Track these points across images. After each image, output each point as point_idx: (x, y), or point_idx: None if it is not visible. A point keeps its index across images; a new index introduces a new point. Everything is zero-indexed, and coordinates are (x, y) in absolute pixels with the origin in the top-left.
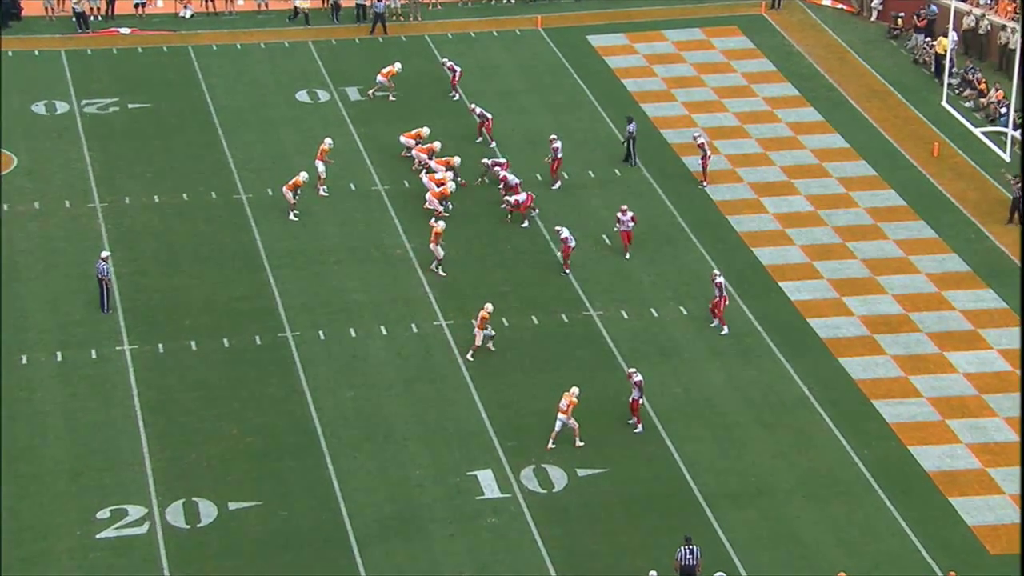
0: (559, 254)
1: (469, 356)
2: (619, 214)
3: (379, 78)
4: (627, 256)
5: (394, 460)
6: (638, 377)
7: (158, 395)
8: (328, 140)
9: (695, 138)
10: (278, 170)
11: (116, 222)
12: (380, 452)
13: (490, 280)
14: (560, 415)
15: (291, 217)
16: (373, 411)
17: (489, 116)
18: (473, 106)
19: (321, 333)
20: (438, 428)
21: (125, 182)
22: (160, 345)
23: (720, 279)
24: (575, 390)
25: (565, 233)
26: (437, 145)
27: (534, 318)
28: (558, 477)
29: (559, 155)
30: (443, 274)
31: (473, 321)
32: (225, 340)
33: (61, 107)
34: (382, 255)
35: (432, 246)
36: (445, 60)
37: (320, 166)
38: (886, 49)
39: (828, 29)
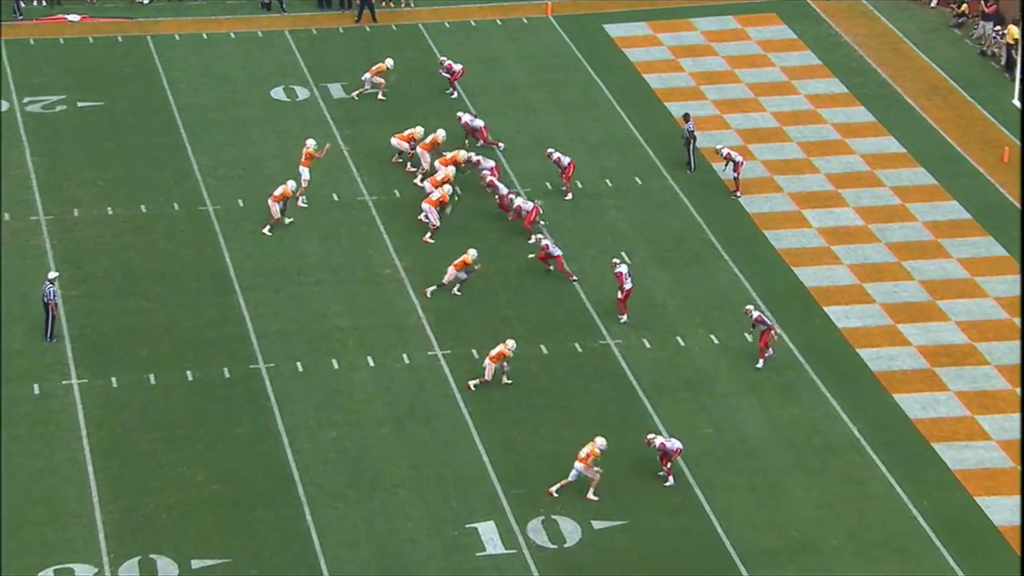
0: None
1: (471, 384)
2: (617, 267)
3: (366, 76)
4: (622, 319)
5: (382, 510)
6: (662, 441)
7: (110, 436)
8: (311, 141)
9: (719, 150)
10: (250, 178)
11: (63, 237)
12: (366, 501)
13: (493, 303)
14: (577, 463)
15: (265, 231)
16: (358, 454)
17: (479, 124)
18: (460, 115)
19: (299, 364)
20: (433, 474)
21: (74, 191)
22: (113, 378)
23: (756, 312)
24: (601, 441)
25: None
26: (441, 134)
27: (543, 347)
28: (570, 530)
29: (565, 164)
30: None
31: (482, 355)
32: (188, 373)
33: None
34: (369, 275)
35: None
36: (443, 59)
37: (305, 172)
38: (949, 39)
39: (881, 16)
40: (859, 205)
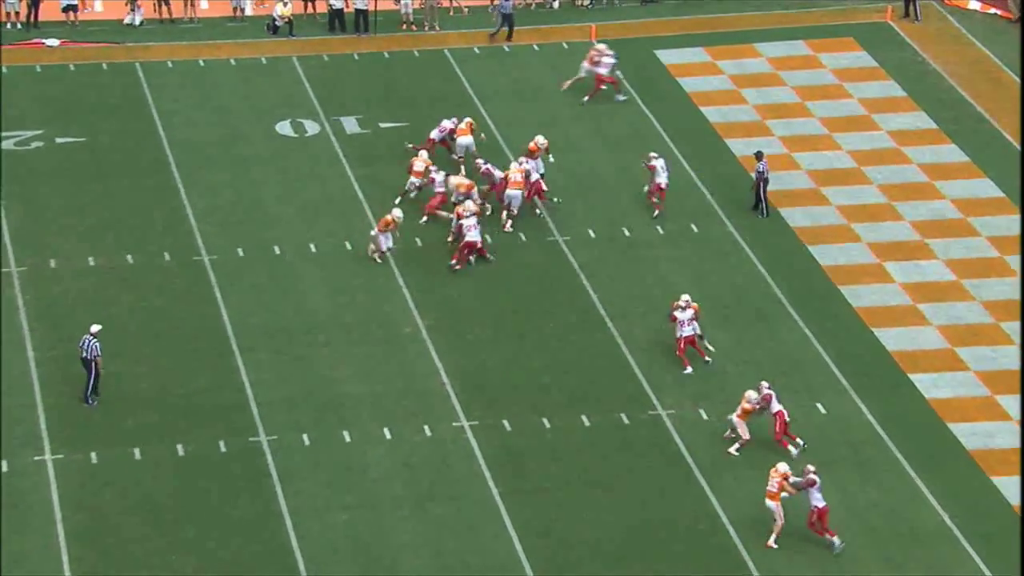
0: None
1: (733, 451)
2: (675, 311)
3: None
4: (687, 371)
5: None
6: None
7: (89, 519)
8: (397, 212)
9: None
10: (252, 223)
11: (38, 291)
12: None
13: (528, 367)
14: (768, 501)
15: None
16: (373, 539)
17: (498, 176)
18: (480, 161)
19: (305, 437)
20: (457, 563)
21: (51, 239)
22: (93, 453)
23: (768, 389)
24: (784, 468)
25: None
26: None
27: (584, 418)
28: None
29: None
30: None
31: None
32: (179, 446)
33: None
34: (386, 334)
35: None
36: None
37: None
38: None
39: (975, 40)
40: (950, 257)
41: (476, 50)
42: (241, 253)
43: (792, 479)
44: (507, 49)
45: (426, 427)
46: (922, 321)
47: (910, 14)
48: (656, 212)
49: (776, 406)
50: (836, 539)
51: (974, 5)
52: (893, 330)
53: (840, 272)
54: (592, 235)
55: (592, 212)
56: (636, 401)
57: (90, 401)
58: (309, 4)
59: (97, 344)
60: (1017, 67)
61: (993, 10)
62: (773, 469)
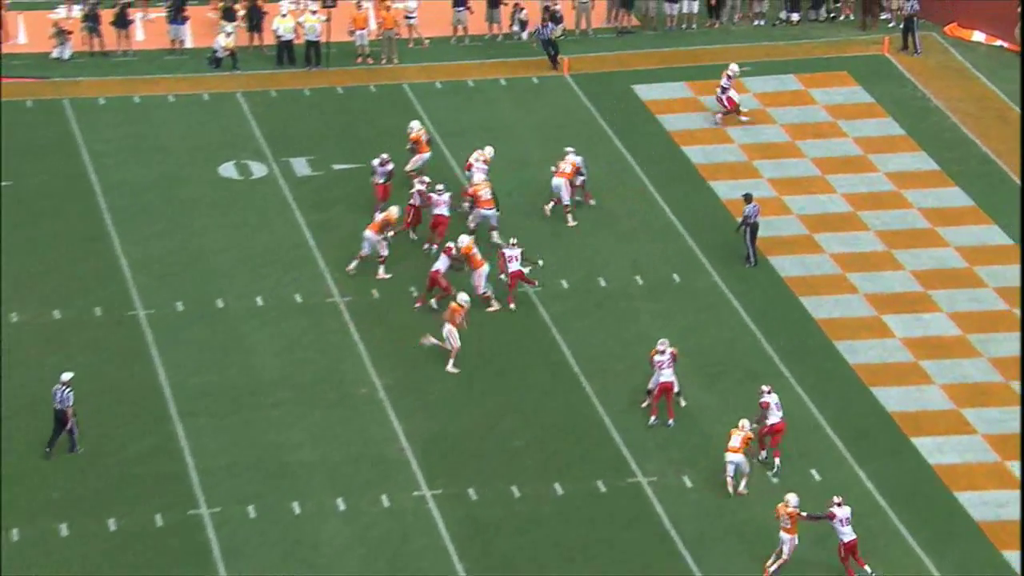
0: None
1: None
2: (656, 354)
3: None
4: (652, 421)
5: None
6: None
7: None
8: (394, 209)
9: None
10: (192, 275)
11: None
12: None
13: (495, 430)
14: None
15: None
16: None
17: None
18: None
19: (251, 509)
20: None
21: None
22: (15, 530)
23: (768, 398)
24: (793, 500)
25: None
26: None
27: (557, 487)
28: None
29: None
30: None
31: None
32: (111, 520)
33: None
34: (340, 395)
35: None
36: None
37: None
38: None
39: (980, 75)
40: (955, 310)
41: (438, 85)
42: (180, 307)
43: (804, 513)
44: (472, 84)
45: (384, 497)
46: (925, 380)
47: (909, 46)
48: (591, 201)
49: (775, 417)
50: (867, 568)
51: (978, 37)
52: (894, 389)
53: (835, 326)
54: (565, 285)
55: (565, 261)
56: (614, 467)
57: (62, 452)
58: (255, 35)
59: (71, 393)
60: None
61: (999, 42)
62: (782, 504)
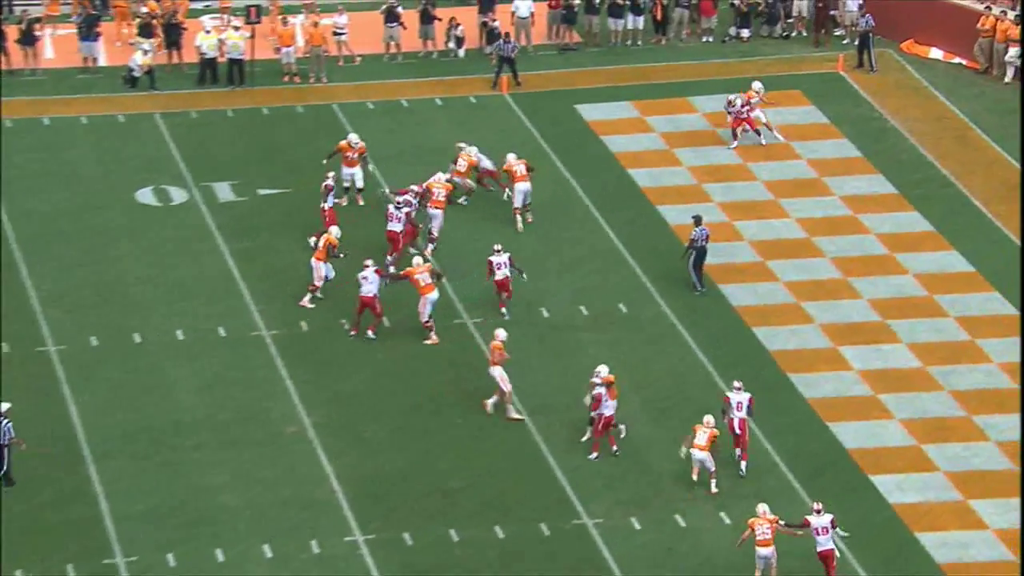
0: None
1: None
2: (593, 388)
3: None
4: (593, 456)
5: None
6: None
7: None
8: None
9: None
10: (108, 308)
11: None
12: None
13: (433, 470)
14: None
15: (305, 302)
16: None
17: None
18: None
19: (171, 557)
20: None
21: None
22: None
23: (735, 396)
24: (710, 419)
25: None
26: (335, 231)
27: (498, 530)
28: None
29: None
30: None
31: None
32: (19, 572)
33: None
34: (267, 435)
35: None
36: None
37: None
38: None
39: (939, 94)
40: (915, 340)
41: (370, 105)
42: (95, 343)
43: (782, 522)
44: (406, 104)
45: (314, 543)
46: (885, 414)
47: (864, 63)
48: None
49: (739, 413)
50: None
51: (936, 54)
52: (851, 425)
53: (790, 358)
54: (506, 316)
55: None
56: (558, 509)
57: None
58: (174, 52)
59: (10, 425)
60: (987, 123)
61: (958, 59)
62: (757, 518)
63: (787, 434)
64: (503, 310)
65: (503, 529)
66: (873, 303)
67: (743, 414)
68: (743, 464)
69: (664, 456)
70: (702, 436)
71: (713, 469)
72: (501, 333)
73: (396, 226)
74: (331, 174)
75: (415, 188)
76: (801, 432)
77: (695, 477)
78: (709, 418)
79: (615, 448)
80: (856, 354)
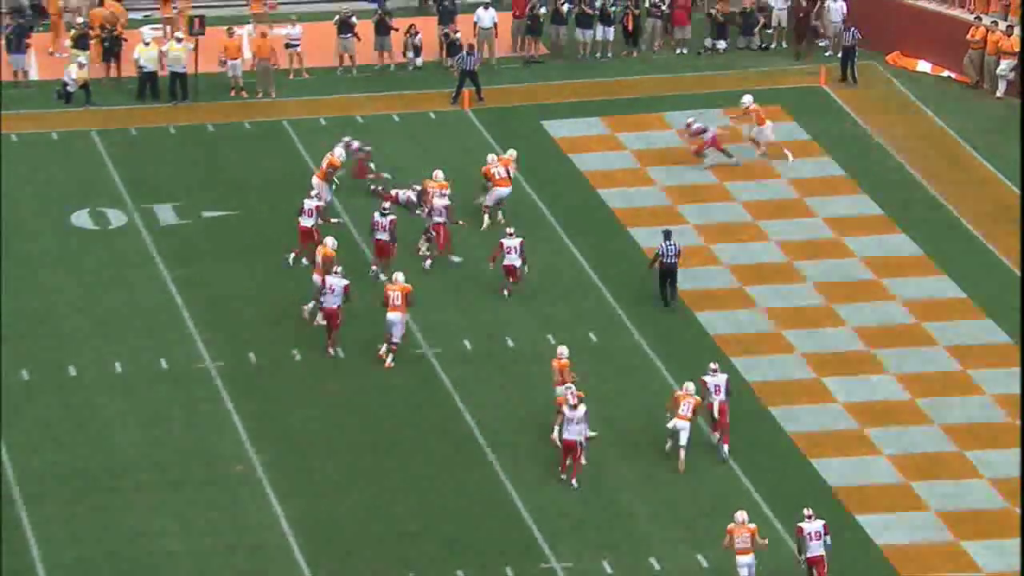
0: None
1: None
2: (564, 408)
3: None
4: (573, 486)
5: None
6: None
7: None
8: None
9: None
10: (39, 339)
11: None
12: None
13: (390, 512)
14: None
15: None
16: None
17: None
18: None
19: None
20: None
21: None
22: None
23: (711, 379)
24: (690, 387)
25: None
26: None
27: (461, 574)
28: None
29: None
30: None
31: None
32: None
33: None
34: (211, 475)
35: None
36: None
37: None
38: None
39: (927, 110)
40: (903, 371)
41: (322, 121)
42: (25, 376)
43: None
44: (361, 120)
45: None
46: (871, 450)
47: (848, 77)
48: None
49: (718, 396)
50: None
51: (924, 67)
52: (836, 461)
53: (770, 390)
54: (468, 346)
55: (468, 318)
56: (525, 552)
57: None
58: (112, 65)
59: None
60: (978, 141)
61: (947, 73)
62: (737, 524)
63: (767, 471)
64: (505, 293)
65: (465, 574)
66: (858, 331)
67: (722, 397)
68: (724, 448)
69: (636, 495)
70: (686, 407)
71: (687, 446)
72: (563, 350)
73: (383, 235)
74: (315, 192)
75: (409, 193)
76: (782, 469)
77: (668, 448)
78: (690, 385)
79: (574, 482)
80: (840, 385)
